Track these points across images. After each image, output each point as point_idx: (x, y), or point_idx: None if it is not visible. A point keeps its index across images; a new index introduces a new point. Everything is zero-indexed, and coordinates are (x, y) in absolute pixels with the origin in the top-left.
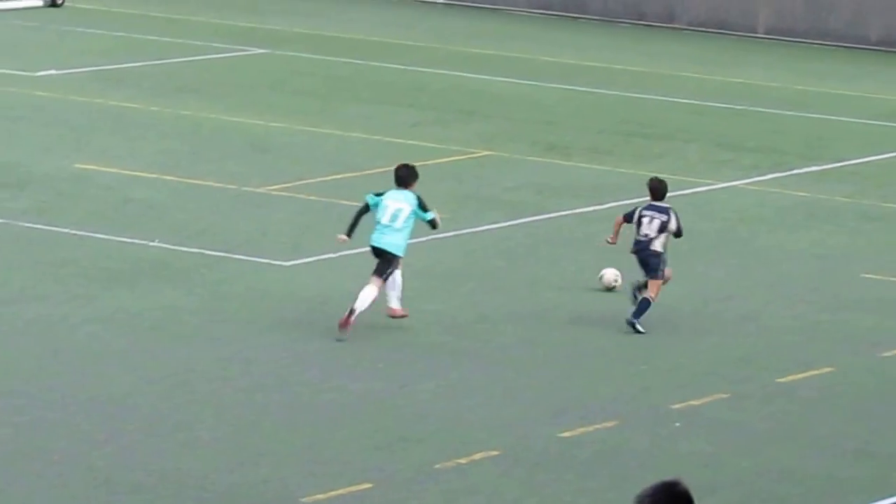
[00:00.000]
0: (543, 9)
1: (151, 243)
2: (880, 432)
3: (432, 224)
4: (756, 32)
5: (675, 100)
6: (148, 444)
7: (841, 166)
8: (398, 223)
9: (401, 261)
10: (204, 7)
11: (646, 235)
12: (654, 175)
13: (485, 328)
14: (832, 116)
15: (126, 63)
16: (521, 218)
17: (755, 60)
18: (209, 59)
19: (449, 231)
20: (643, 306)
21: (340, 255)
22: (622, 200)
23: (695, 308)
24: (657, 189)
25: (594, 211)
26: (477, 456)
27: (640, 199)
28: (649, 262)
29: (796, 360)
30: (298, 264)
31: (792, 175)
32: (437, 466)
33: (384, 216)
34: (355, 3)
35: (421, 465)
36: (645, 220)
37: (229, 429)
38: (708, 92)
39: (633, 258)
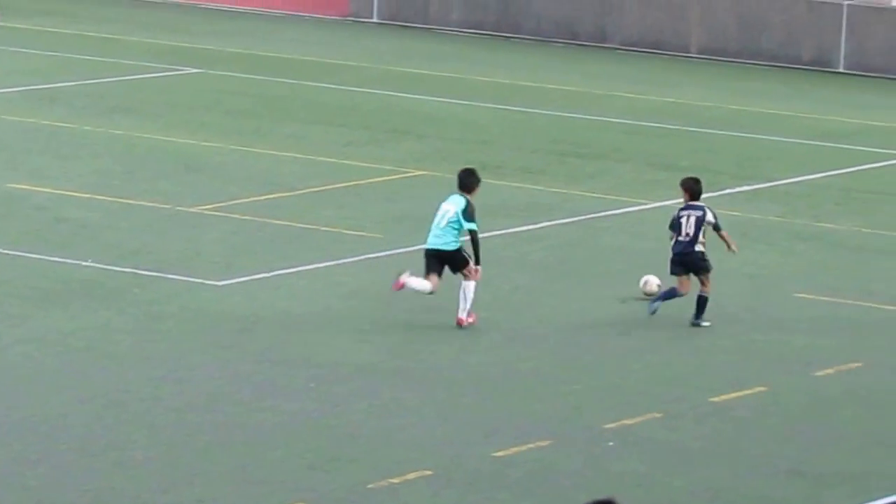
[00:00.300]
0: (476, 28)
1: (84, 263)
2: (813, 452)
3: (472, 235)
4: (689, 52)
5: (608, 119)
6: (81, 463)
7: (773, 186)
8: (443, 223)
9: (471, 269)
10: (137, 27)
11: (687, 235)
12: (688, 176)
13: (418, 347)
14: (765, 136)
15: (59, 83)
16: None
17: (688, 80)
18: (142, 78)
19: (381, 251)
20: (702, 304)
21: (274, 275)
22: (556, 220)
23: (627, 327)
24: (693, 189)
25: (527, 230)
26: (410, 476)
27: (579, 218)
28: (695, 263)
29: (729, 379)
30: (231, 284)
31: (724, 195)
32: (369, 486)
33: (436, 218)
34: (288, 22)
35: (354, 485)
36: (683, 220)
37: (162, 448)
38: (641, 111)
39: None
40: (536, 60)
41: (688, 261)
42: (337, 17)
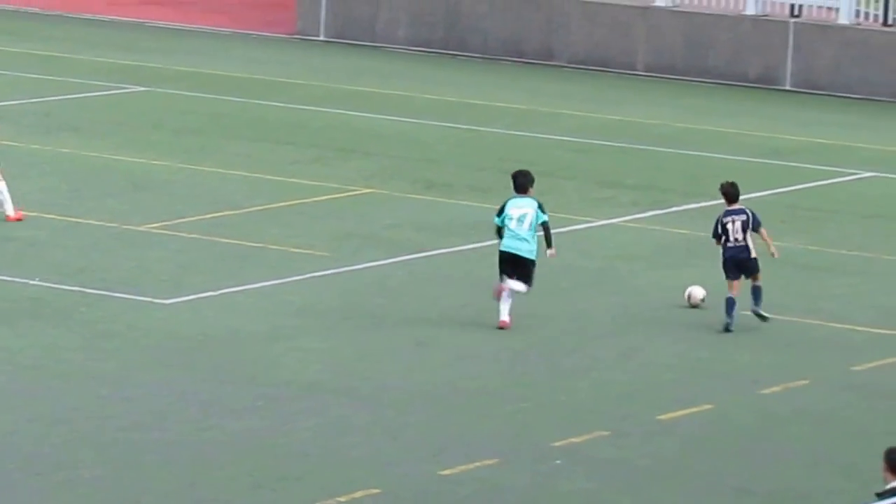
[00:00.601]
0: (423, 46)
1: (32, 281)
2: (760, 469)
3: (545, 226)
4: (635, 70)
5: (555, 137)
6: (28, 482)
7: (720, 204)
8: (525, 226)
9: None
10: (84, 45)
11: (736, 240)
12: (725, 181)
13: (365, 366)
14: (711, 154)
15: (5, 101)
16: (401, 255)
17: (635, 98)
18: (89, 97)
19: (329, 269)
20: (758, 293)
21: (221, 293)
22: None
23: (575, 345)
24: (730, 193)
25: (473, 249)
26: (357, 494)
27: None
28: (748, 266)
29: (676, 397)
30: (179, 302)
31: (672, 212)
32: None
33: (511, 223)
34: (235, 40)
35: None
36: (729, 226)
37: (109, 467)
38: (588, 129)
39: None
40: (483, 78)
41: (742, 265)
42: (284, 35)
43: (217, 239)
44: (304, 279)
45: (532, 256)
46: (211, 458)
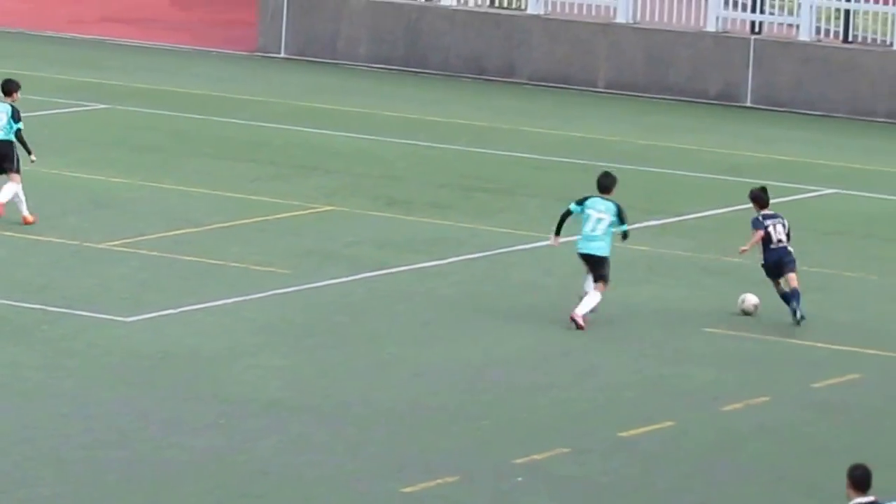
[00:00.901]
0: (384, 63)
1: None
2: (721, 486)
3: (625, 235)
4: (596, 87)
5: (517, 154)
6: None
7: (681, 220)
8: (599, 231)
9: (604, 287)
10: (44, 62)
11: (779, 241)
12: (755, 187)
13: (326, 383)
14: (672, 171)
15: None
16: (361, 273)
17: (596, 115)
18: (50, 114)
19: (290, 286)
20: (797, 297)
21: (182, 311)
22: (462, 255)
23: (535, 362)
24: (762, 198)
25: (434, 266)
26: None
27: (487, 253)
28: (788, 261)
29: (637, 414)
30: (140, 320)
31: (632, 229)
32: None
33: (587, 226)
34: (196, 57)
35: None
36: (771, 230)
37: (70, 486)
38: (549, 146)
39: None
40: (444, 95)
41: (786, 265)
42: (245, 53)
43: (178, 256)
44: (264, 296)
45: (604, 253)
46: (172, 476)
